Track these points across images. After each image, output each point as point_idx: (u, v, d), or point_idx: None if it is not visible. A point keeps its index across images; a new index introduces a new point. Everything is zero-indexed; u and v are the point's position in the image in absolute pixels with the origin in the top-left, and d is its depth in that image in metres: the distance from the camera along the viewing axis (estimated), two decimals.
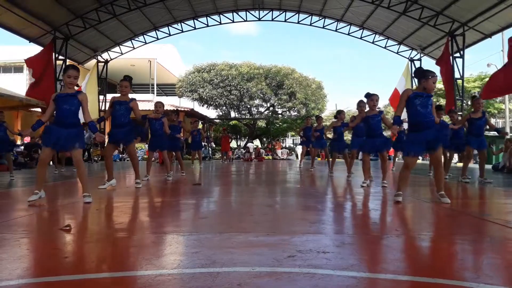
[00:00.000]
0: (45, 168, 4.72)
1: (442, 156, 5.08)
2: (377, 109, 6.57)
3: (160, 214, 4.22)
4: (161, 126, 7.72)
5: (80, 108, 4.67)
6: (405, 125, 5.40)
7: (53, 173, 10.06)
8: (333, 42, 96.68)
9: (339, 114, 9.18)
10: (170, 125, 8.55)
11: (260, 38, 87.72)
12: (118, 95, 6.36)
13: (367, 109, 6.60)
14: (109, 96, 21.59)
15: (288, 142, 34.98)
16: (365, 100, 6.58)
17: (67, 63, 17.10)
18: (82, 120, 4.84)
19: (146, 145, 15.06)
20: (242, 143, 30.84)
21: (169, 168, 8.28)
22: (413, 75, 4.78)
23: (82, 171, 4.76)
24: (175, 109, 9.21)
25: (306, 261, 2.23)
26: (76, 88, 4.76)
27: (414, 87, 19.90)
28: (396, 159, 14.08)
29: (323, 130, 10.79)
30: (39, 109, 17.34)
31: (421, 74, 4.66)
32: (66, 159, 11.80)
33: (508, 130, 21.55)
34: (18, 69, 25.76)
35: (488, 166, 12.82)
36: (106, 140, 5.52)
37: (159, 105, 7.94)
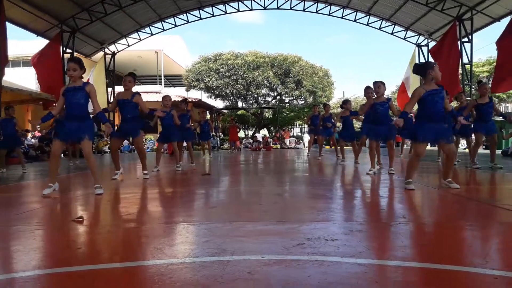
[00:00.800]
0: (57, 160, 4.78)
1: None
2: (385, 97, 6.56)
3: (171, 204, 4.27)
4: (170, 118, 7.78)
5: (89, 99, 4.72)
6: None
7: (68, 165, 10.20)
8: (339, 29, 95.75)
9: (345, 104, 9.15)
10: (180, 115, 8.61)
11: (265, 26, 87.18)
12: (122, 89, 6.42)
13: (374, 96, 6.60)
14: (117, 88, 21.80)
15: (296, 130, 34.92)
16: (372, 86, 6.59)
17: (74, 56, 17.23)
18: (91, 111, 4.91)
19: (157, 136, 15.12)
20: (250, 133, 30.86)
21: (179, 159, 8.34)
22: (415, 73, 4.75)
23: (92, 163, 4.82)
24: (184, 98, 9.23)
25: (314, 248, 2.26)
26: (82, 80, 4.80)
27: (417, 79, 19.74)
28: (405, 145, 14.02)
29: (331, 118, 10.79)
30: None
31: (426, 67, 4.61)
32: (80, 151, 11.93)
33: None
34: (26, 63, 25.86)
35: (498, 151, 12.72)
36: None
37: (167, 98, 8.01)
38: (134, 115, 6.23)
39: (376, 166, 6.75)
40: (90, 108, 4.81)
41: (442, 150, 4.91)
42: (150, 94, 24.17)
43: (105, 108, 6.58)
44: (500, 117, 7.38)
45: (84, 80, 4.88)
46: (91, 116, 4.99)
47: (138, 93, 6.26)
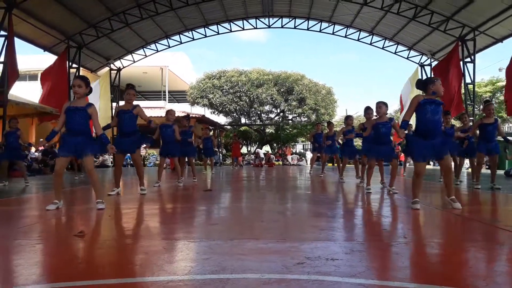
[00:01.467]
0: (60, 178, 4.78)
1: (452, 162, 5.11)
2: (387, 117, 6.61)
3: (171, 220, 4.27)
4: (172, 132, 7.82)
5: (91, 119, 4.76)
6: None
7: (73, 179, 10.24)
8: (343, 47, 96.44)
9: (346, 119, 9.18)
10: (181, 131, 8.66)
11: (269, 44, 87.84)
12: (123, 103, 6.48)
13: (375, 116, 6.66)
14: (122, 103, 21.92)
15: (298, 147, 34.93)
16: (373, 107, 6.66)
17: (80, 71, 17.44)
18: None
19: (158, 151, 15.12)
20: (253, 149, 30.90)
21: (180, 174, 8.36)
22: (417, 87, 4.86)
23: (95, 179, 4.84)
24: (187, 114, 9.32)
25: (315, 268, 2.26)
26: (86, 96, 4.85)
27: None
28: (407, 164, 14.02)
29: (335, 137, 10.82)
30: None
31: (427, 82, 4.70)
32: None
33: None
34: (32, 77, 26.17)
35: (501, 172, 12.68)
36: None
37: (171, 113, 8.08)
38: (132, 130, 6.21)
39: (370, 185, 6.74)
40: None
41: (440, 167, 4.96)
42: (154, 109, 24.32)
43: (108, 124, 6.62)
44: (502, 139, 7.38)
45: (91, 88, 4.90)
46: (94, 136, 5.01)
47: (138, 105, 6.30)
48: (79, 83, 4.68)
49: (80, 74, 16.68)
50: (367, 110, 7.12)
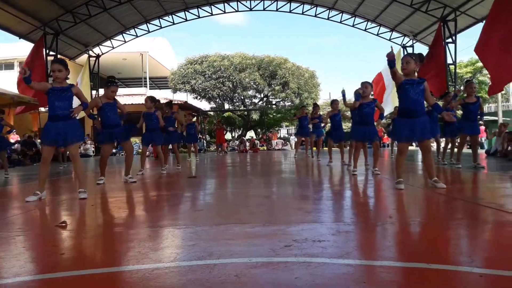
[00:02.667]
0: (47, 167, 4.67)
1: (435, 143, 5.13)
2: (371, 97, 6.62)
3: (156, 207, 4.22)
4: (155, 120, 7.71)
5: (74, 100, 4.65)
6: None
7: (58, 169, 10.06)
8: (325, 30, 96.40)
9: (332, 103, 9.18)
10: (164, 117, 8.56)
11: (249, 28, 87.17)
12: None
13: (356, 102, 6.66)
14: (102, 91, 21.54)
15: (283, 132, 35.01)
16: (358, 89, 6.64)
17: (58, 57, 16.99)
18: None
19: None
20: (237, 135, 30.83)
21: (164, 162, 8.27)
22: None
23: (79, 166, 4.75)
24: (169, 100, 9.15)
25: (302, 250, 2.25)
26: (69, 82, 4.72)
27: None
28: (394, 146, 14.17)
29: (321, 118, 10.88)
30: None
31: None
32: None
33: (500, 114, 21.67)
34: (8, 66, 25.51)
35: (482, 151, 12.93)
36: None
37: (146, 100, 7.96)
38: (120, 120, 6.23)
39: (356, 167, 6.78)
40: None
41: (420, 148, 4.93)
42: (135, 96, 23.93)
43: (92, 115, 6.46)
44: (486, 117, 7.51)
45: (74, 82, 4.81)
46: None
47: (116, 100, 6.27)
48: (59, 67, 4.53)
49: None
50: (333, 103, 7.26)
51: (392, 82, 15.40)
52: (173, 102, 9.49)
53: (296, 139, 13.43)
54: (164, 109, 9.20)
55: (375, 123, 6.76)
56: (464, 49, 44.99)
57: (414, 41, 20.32)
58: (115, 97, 6.22)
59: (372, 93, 6.69)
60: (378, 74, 19.19)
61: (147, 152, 8.81)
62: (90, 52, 20.21)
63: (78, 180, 4.78)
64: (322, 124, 10.63)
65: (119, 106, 6.20)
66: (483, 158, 10.25)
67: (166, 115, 8.98)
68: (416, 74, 4.73)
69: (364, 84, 6.45)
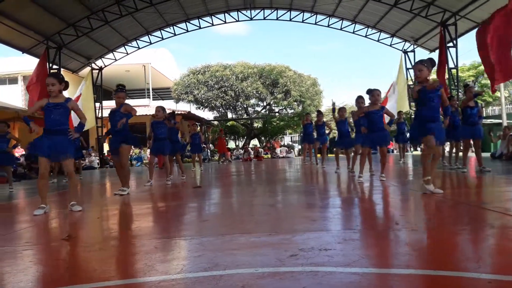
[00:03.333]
0: (46, 180, 4.68)
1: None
2: (379, 105, 6.60)
3: (162, 218, 4.22)
4: (164, 129, 7.73)
5: (71, 115, 4.69)
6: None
7: (62, 183, 10.08)
8: (326, 37, 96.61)
9: (340, 111, 9.14)
10: (168, 128, 8.58)
11: (250, 37, 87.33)
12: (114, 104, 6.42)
13: (367, 104, 6.65)
14: (105, 103, 21.70)
15: (286, 140, 34.99)
16: (365, 96, 6.64)
17: (53, 71, 17.14)
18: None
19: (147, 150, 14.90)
20: (241, 144, 30.84)
21: (169, 172, 8.27)
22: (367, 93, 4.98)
23: (74, 181, 4.76)
24: (172, 111, 9.11)
25: (308, 259, 2.24)
26: (68, 96, 4.75)
27: (409, 79, 19.97)
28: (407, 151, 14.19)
29: (324, 126, 10.90)
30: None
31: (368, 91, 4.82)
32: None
33: (504, 117, 21.59)
34: (12, 80, 25.71)
35: (487, 154, 12.87)
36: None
37: (158, 109, 7.96)
38: (121, 128, 6.08)
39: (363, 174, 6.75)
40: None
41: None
42: (139, 108, 23.99)
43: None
44: (491, 120, 7.50)
45: (76, 95, 4.84)
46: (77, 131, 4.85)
47: (125, 104, 6.22)
48: (52, 81, 4.56)
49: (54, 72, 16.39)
50: (359, 99, 7.13)
51: (394, 94, 15.30)
52: (176, 112, 9.45)
53: (301, 147, 13.47)
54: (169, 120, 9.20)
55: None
56: (465, 52, 45.19)
57: (415, 46, 20.36)
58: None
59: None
60: (391, 85, 19.30)
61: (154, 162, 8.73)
62: (93, 65, 20.36)
63: (72, 195, 4.77)
64: (327, 131, 10.63)
65: (128, 110, 6.10)
66: (487, 161, 10.20)
67: (169, 126, 9.00)
68: (429, 79, 4.72)
69: (377, 92, 6.42)
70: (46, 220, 4.26)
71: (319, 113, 11.41)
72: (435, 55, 17.86)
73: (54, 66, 16.94)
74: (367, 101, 6.76)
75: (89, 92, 18.66)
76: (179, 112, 24.35)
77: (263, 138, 30.27)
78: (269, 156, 24.90)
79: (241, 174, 10.96)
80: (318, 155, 12.32)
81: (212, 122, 30.94)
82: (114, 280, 2.12)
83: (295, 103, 28.13)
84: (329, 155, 14.32)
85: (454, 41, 16.88)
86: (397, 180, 6.53)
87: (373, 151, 7.95)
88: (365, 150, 6.84)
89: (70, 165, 4.68)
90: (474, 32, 16.63)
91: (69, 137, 4.61)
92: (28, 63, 21.33)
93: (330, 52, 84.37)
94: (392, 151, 19.98)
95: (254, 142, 31.18)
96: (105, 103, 21.38)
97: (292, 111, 29.39)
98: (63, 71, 17.69)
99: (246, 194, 6.08)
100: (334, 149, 10.41)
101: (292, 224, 3.44)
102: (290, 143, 31.91)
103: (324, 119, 12.05)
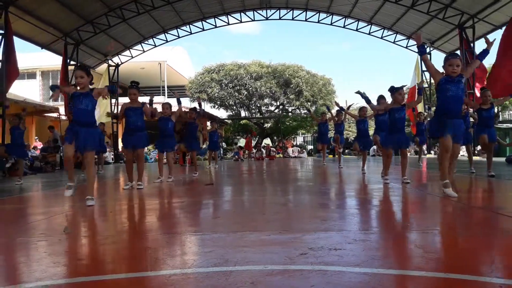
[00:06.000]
0: (71, 163, 4.88)
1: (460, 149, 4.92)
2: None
3: (173, 214, 4.26)
4: (170, 125, 7.78)
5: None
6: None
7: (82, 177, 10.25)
8: (340, 36, 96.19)
9: (360, 111, 9.04)
10: (188, 123, 8.68)
11: (262, 36, 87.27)
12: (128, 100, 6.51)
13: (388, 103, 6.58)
14: (121, 100, 21.91)
15: (299, 140, 34.90)
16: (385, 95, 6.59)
17: (81, 64, 17.42)
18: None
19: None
20: (253, 142, 30.88)
21: (195, 169, 8.35)
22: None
23: (91, 173, 4.83)
24: (194, 107, 9.03)
25: (318, 258, 2.25)
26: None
27: (425, 81, 19.76)
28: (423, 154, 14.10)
29: (343, 125, 10.84)
30: (54, 114, 17.60)
31: (444, 61, 4.57)
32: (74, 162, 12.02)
33: None
34: (31, 75, 26.14)
35: (502, 159, 12.66)
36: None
37: (166, 106, 7.99)
38: (140, 125, 6.35)
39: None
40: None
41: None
42: (153, 105, 24.20)
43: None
44: (507, 125, 7.36)
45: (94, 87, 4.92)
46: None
47: (146, 103, 6.44)
48: (81, 74, 4.64)
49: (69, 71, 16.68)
50: (380, 99, 7.08)
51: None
52: (196, 108, 9.36)
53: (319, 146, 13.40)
54: (191, 114, 9.13)
55: (427, 112, 6.49)
56: None
57: (431, 49, 20.14)
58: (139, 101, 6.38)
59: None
60: (410, 89, 19.13)
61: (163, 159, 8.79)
62: (110, 62, 20.60)
63: (88, 187, 4.84)
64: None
65: (146, 113, 6.33)
66: (503, 165, 10.04)
67: (191, 121, 9.01)
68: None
69: (399, 91, 6.28)
70: (61, 212, 4.33)
71: (339, 113, 11.29)
72: None
73: (72, 62, 17.20)
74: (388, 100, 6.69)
75: None
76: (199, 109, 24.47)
77: (275, 138, 30.27)
78: (281, 155, 24.88)
79: (253, 173, 10.98)
80: (330, 156, 12.26)
81: (225, 120, 31.04)
82: (126, 273, 2.15)
83: (308, 103, 28.02)
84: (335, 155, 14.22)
85: (472, 44, 16.66)
86: (415, 183, 6.45)
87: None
88: (389, 151, 6.64)
89: (90, 157, 4.77)
90: (492, 35, 16.48)
91: (94, 129, 4.78)
92: (46, 59, 21.71)
93: (343, 52, 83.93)
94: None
95: (267, 141, 31.18)
96: (121, 99, 21.58)
97: (305, 111, 29.30)
98: (82, 64, 17.98)
99: (258, 193, 6.10)
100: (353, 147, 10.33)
101: (303, 223, 3.44)
102: (303, 143, 31.83)
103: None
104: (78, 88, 4.72)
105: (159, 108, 7.78)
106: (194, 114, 9.20)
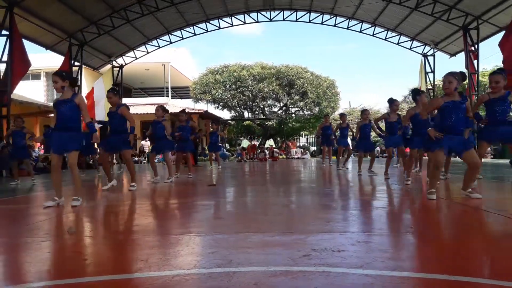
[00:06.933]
0: (58, 173, 4.81)
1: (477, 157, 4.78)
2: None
3: (177, 215, 4.27)
4: (161, 129, 7.81)
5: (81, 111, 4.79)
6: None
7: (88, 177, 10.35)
8: (344, 38, 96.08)
9: (363, 113, 9.08)
10: (179, 126, 8.74)
11: (264, 37, 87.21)
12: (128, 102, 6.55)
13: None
14: (125, 101, 22.00)
15: (302, 141, 34.89)
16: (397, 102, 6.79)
17: (83, 69, 17.49)
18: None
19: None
20: (256, 143, 30.90)
21: (175, 171, 8.33)
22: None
23: (75, 174, 4.83)
24: (182, 109, 8.95)
25: (321, 260, 2.25)
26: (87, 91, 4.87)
27: (428, 83, 19.74)
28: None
29: (348, 128, 10.87)
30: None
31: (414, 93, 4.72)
32: (86, 163, 12.11)
33: None
34: (35, 76, 26.22)
35: (506, 161, 12.62)
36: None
37: (157, 108, 8.06)
38: (120, 129, 6.33)
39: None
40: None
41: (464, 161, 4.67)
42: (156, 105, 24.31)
43: (104, 122, 6.71)
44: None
45: (93, 85, 4.98)
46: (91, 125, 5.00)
47: (123, 105, 6.37)
48: (54, 79, 4.73)
49: (79, 70, 16.73)
50: (393, 102, 7.24)
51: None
52: (190, 111, 9.47)
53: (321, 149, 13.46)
54: (181, 117, 9.15)
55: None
56: (487, 57, 44.60)
57: (435, 50, 20.09)
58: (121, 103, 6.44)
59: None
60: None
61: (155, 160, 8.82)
62: (114, 63, 20.66)
63: (75, 188, 4.86)
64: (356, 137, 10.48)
65: (124, 114, 6.26)
66: (506, 167, 9.99)
67: (182, 124, 9.05)
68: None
69: (396, 102, 6.49)
70: (65, 212, 4.35)
71: (343, 116, 11.39)
72: (455, 60, 17.61)
73: (76, 63, 17.26)
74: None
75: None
76: (195, 111, 24.61)
77: (278, 139, 30.26)
78: (284, 156, 24.88)
79: (256, 174, 10.98)
80: (334, 157, 12.26)
81: (229, 121, 31.08)
82: (130, 273, 2.16)
83: (312, 104, 28.02)
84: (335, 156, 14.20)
85: (476, 46, 16.59)
86: (414, 184, 6.44)
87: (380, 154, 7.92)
88: (414, 152, 6.96)
89: (72, 158, 4.76)
90: (496, 36, 16.45)
91: (74, 132, 4.74)
92: (50, 60, 21.76)
93: (347, 53, 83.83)
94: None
95: (270, 142, 31.19)
96: (125, 100, 21.67)
97: (309, 112, 29.29)
98: (84, 68, 18.08)
99: (261, 194, 6.10)
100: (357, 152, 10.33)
101: (306, 224, 3.44)
102: (306, 144, 31.80)
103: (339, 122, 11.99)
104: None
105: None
106: (185, 117, 9.24)
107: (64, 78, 4.78)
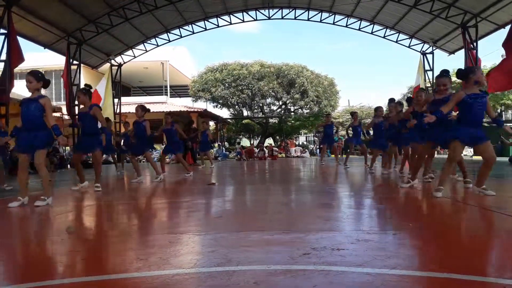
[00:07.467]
0: (24, 173, 4.77)
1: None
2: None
3: (175, 214, 4.27)
4: (142, 129, 7.77)
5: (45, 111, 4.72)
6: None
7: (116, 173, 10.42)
8: (343, 36, 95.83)
9: (377, 110, 9.06)
10: (165, 129, 8.80)
11: (261, 35, 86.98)
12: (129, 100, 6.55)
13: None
14: (124, 99, 21.99)
15: (301, 139, 34.88)
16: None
17: (81, 68, 17.46)
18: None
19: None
20: (255, 142, 30.90)
21: (161, 169, 8.36)
22: (458, 78, 4.77)
23: (43, 174, 4.77)
24: (141, 105, 8.57)
25: (321, 258, 2.25)
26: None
27: (427, 80, 19.72)
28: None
29: (360, 126, 10.86)
30: (57, 114, 17.63)
31: (467, 71, 4.58)
32: (82, 162, 12.06)
33: None
34: None
35: (505, 159, 12.64)
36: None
37: (136, 109, 7.98)
38: (90, 131, 6.28)
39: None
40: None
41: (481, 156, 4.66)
42: (156, 104, 24.31)
43: (75, 124, 6.68)
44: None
45: (96, 89, 4.95)
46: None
47: (94, 106, 6.29)
48: (29, 79, 4.69)
49: (78, 69, 16.70)
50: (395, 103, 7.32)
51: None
52: (192, 110, 9.44)
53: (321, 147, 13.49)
54: (137, 113, 8.21)
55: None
56: (486, 55, 44.61)
57: (434, 48, 20.09)
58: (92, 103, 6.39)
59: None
60: (415, 88, 19.01)
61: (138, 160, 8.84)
62: (112, 61, 20.62)
63: (43, 186, 4.82)
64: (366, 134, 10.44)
65: (95, 115, 6.21)
66: (505, 165, 10.01)
67: (166, 127, 9.05)
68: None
69: (419, 93, 6.47)
70: (66, 211, 4.34)
71: (354, 114, 11.36)
72: (454, 57, 17.61)
73: (74, 62, 17.23)
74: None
75: (108, 88, 18.95)
76: (195, 110, 24.60)
77: (278, 137, 30.25)
78: (284, 155, 24.87)
79: (255, 173, 10.98)
80: (339, 155, 12.28)
81: (228, 120, 31.06)
82: (129, 273, 2.16)
83: (312, 103, 28.03)
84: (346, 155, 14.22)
85: (475, 43, 16.60)
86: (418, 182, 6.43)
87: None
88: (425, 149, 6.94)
89: (38, 158, 4.69)
90: (495, 34, 16.45)
91: (40, 132, 4.68)
92: (48, 59, 21.72)
93: (346, 51, 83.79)
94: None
95: (269, 141, 31.19)
96: (124, 99, 21.68)
97: (308, 111, 29.29)
98: (83, 67, 18.04)
99: (260, 192, 6.10)
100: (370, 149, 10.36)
101: (306, 223, 3.45)
102: (305, 143, 31.80)
103: (338, 120, 12.00)
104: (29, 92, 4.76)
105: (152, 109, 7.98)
106: (170, 119, 9.24)
107: (39, 78, 4.75)
